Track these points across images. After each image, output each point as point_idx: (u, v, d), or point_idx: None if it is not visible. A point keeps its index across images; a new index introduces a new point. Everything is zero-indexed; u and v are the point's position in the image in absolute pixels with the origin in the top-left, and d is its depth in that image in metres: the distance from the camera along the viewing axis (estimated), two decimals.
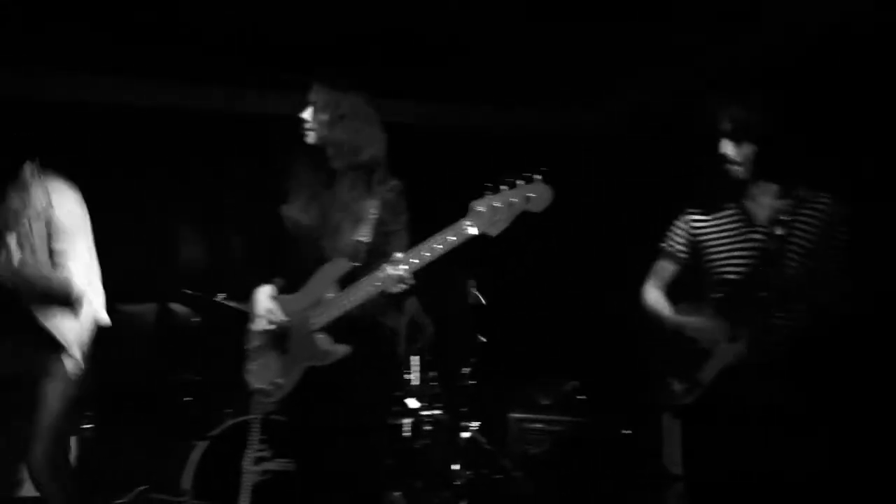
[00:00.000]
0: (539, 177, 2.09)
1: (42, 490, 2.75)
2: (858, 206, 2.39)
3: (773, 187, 2.44)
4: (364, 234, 2.38)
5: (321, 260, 2.41)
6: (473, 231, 2.13)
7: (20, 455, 2.82)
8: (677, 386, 2.45)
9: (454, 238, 2.16)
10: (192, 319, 3.96)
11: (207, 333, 3.92)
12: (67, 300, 2.76)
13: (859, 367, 2.98)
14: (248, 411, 3.45)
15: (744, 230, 2.46)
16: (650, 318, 2.62)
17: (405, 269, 2.21)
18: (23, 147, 3.12)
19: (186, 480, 3.27)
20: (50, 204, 2.78)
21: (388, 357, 2.55)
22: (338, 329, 2.34)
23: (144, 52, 4.32)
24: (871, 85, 3.22)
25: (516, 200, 2.09)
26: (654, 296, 2.65)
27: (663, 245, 2.67)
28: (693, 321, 2.48)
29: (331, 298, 2.34)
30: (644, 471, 3.60)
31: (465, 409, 3.77)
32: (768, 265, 2.36)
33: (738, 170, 2.41)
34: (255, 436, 2.45)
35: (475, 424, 3.77)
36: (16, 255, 2.75)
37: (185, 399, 3.78)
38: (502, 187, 2.12)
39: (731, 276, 2.45)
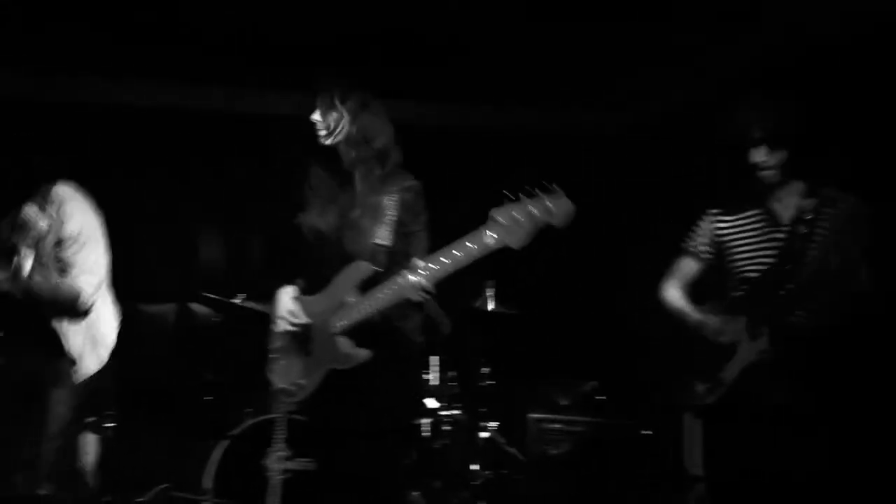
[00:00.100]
0: (559, 189, 2.08)
1: (55, 491, 2.76)
2: (882, 206, 2.38)
3: (799, 186, 2.44)
4: (384, 237, 2.38)
5: (342, 261, 2.42)
6: (494, 241, 2.11)
7: (34, 459, 2.83)
8: (699, 386, 2.44)
9: (475, 247, 2.14)
10: (213, 319, 3.98)
11: (227, 333, 3.94)
12: (76, 308, 2.77)
13: (880, 367, 2.95)
14: (268, 411, 3.48)
15: (768, 230, 2.46)
16: (671, 317, 2.61)
17: (426, 278, 2.21)
18: (42, 149, 3.16)
19: (208, 479, 3.29)
20: (60, 213, 2.79)
21: (408, 361, 2.57)
22: (359, 333, 2.35)
23: (158, 54, 4.35)
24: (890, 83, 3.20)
25: (537, 213, 2.07)
26: (675, 295, 2.64)
27: (685, 245, 2.66)
28: (715, 320, 2.47)
29: (352, 303, 2.35)
30: (664, 472, 3.58)
31: (483, 410, 3.77)
32: (790, 263, 2.35)
33: (769, 175, 2.41)
34: (279, 435, 2.46)
35: (494, 424, 3.77)
36: (26, 265, 2.76)
37: (205, 398, 3.81)
38: (521, 195, 2.10)
39: (754, 276, 2.44)
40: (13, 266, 2.77)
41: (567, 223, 2.06)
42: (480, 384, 3.81)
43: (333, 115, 2.45)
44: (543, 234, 2.09)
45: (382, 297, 2.28)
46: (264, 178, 4.83)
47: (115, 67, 4.53)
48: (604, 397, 4.04)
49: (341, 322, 2.35)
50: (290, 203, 2.63)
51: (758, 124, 2.38)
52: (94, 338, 2.86)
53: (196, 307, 4.13)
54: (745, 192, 2.52)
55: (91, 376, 2.83)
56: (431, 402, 3.66)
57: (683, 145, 4.44)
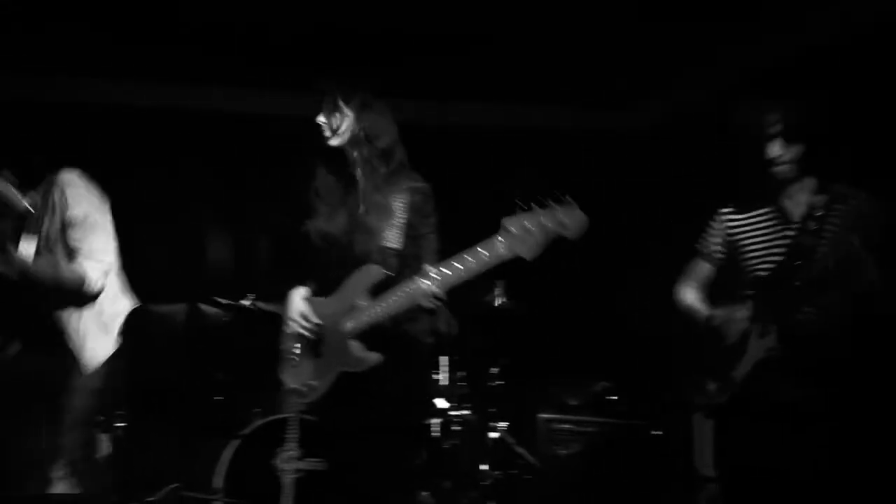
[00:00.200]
0: (572, 200, 2.08)
1: (80, 486, 2.78)
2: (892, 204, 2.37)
3: (811, 183, 2.43)
4: (393, 240, 2.39)
5: (351, 264, 2.42)
6: (505, 250, 2.12)
7: (53, 453, 2.85)
8: (711, 385, 2.44)
9: (487, 256, 2.14)
10: (223, 319, 3.98)
11: (237, 333, 3.95)
12: (81, 294, 2.78)
13: (889, 364, 2.94)
14: (277, 411, 3.48)
15: (779, 228, 2.46)
16: (687, 318, 2.61)
17: (437, 284, 2.21)
18: (43, 149, 3.17)
19: (218, 479, 3.30)
20: (65, 200, 2.79)
21: (418, 364, 2.58)
22: (370, 337, 2.36)
23: (159, 54, 4.36)
24: None
25: (549, 224, 2.07)
26: (690, 296, 2.64)
27: (699, 245, 2.66)
28: (725, 319, 2.46)
29: (363, 307, 2.35)
30: (674, 472, 3.57)
31: (493, 410, 3.76)
32: (799, 260, 2.34)
33: (785, 170, 2.40)
34: (292, 434, 2.47)
35: (503, 425, 3.76)
36: (28, 251, 2.77)
37: (215, 398, 3.82)
38: (534, 206, 2.11)
39: (765, 273, 2.44)
40: (18, 249, 2.78)
41: (580, 235, 2.06)
42: (490, 384, 3.80)
43: (337, 116, 2.46)
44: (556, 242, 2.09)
45: (393, 302, 2.29)
46: (272, 179, 4.84)
47: (114, 67, 4.54)
48: (614, 397, 4.03)
49: (353, 325, 2.36)
50: (297, 203, 2.64)
51: (775, 118, 2.37)
52: (104, 324, 2.87)
53: (206, 307, 4.14)
54: (756, 190, 2.51)
55: (102, 364, 2.83)
56: (441, 403, 3.66)
57: (694, 143, 4.43)
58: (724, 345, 2.44)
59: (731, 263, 2.58)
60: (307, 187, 2.61)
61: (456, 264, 2.20)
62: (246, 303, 3.76)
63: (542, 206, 2.10)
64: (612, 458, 3.74)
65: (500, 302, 3.79)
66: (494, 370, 3.83)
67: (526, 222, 2.09)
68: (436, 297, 2.23)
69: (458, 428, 3.65)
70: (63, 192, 2.80)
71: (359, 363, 2.35)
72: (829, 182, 2.43)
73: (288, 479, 2.49)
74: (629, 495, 3.62)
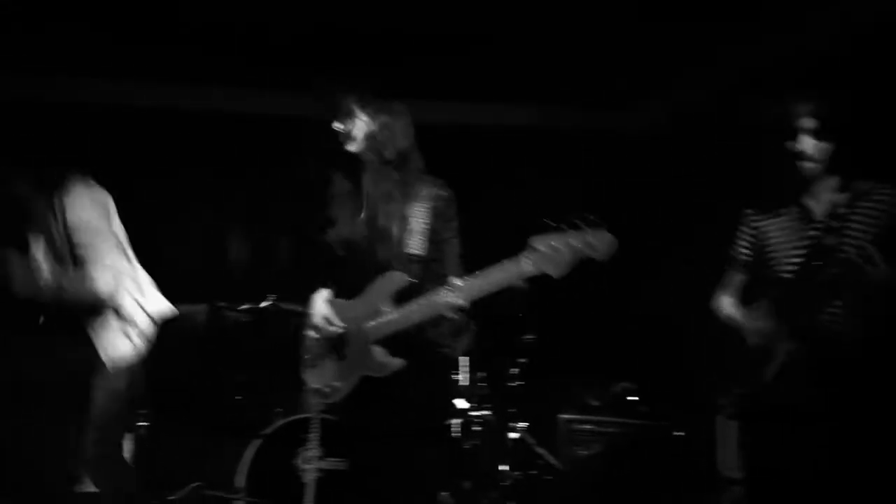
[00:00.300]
0: (600, 222, 2.09)
1: (97, 485, 2.79)
2: None
3: (833, 182, 2.40)
4: (416, 247, 2.39)
5: (374, 270, 2.43)
6: (532, 268, 2.14)
7: (77, 451, 2.87)
8: (737, 387, 2.42)
9: (513, 272, 2.17)
10: (243, 320, 4.01)
11: (258, 334, 3.97)
12: (97, 303, 2.78)
13: None
14: (298, 411, 3.50)
15: (802, 227, 2.43)
16: (724, 325, 2.58)
17: (461, 297, 2.23)
18: (51, 151, 3.17)
19: (240, 478, 3.32)
20: (66, 208, 2.78)
21: (441, 371, 2.61)
22: (392, 342, 2.37)
23: (160, 54, 4.35)
24: None
25: (579, 246, 2.08)
26: (726, 302, 2.62)
27: (732, 253, 2.64)
28: (752, 322, 2.45)
29: (387, 314, 2.37)
30: (697, 474, 3.55)
31: (513, 410, 3.76)
32: (821, 259, 2.32)
33: (813, 167, 2.37)
34: (314, 434, 2.48)
35: (523, 425, 3.76)
36: (43, 267, 2.77)
37: (237, 398, 3.84)
38: (563, 226, 2.11)
39: (787, 275, 2.41)
40: (31, 265, 2.78)
41: (609, 257, 2.06)
42: (510, 384, 3.80)
43: (354, 122, 2.46)
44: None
45: (417, 311, 2.31)
46: (294, 180, 4.85)
47: (114, 67, 4.53)
48: (635, 398, 4.01)
49: (376, 331, 2.37)
50: (317, 204, 2.64)
51: (807, 113, 2.34)
52: (124, 326, 2.86)
53: (228, 311, 4.16)
54: (781, 190, 2.49)
55: (129, 365, 2.83)
56: (461, 403, 3.66)
57: (695, 143, 4.42)
58: (749, 347, 2.42)
59: (759, 263, 2.56)
60: (316, 188, 2.61)
61: (481, 277, 2.22)
62: (266, 304, 3.78)
63: (572, 226, 2.10)
64: (633, 460, 3.72)
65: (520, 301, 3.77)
66: (514, 370, 3.81)
67: (554, 242, 2.11)
68: (459, 308, 2.25)
69: (479, 428, 3.64)
70: (64, 201, 2.78)
71: (381, 368, 2.36)
72: (850, 180, 2.40)
73: (310, 479, 2.49)
74: (650, 497, 3.60)
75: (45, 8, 3.80)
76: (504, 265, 2.19)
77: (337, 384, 2.43)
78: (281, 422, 3.43)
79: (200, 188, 4.95)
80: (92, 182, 2.89)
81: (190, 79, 4.72)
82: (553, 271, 2.12)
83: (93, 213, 2.81)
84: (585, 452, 3.81)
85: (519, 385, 3.80)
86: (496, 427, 3.70)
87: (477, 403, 3.70)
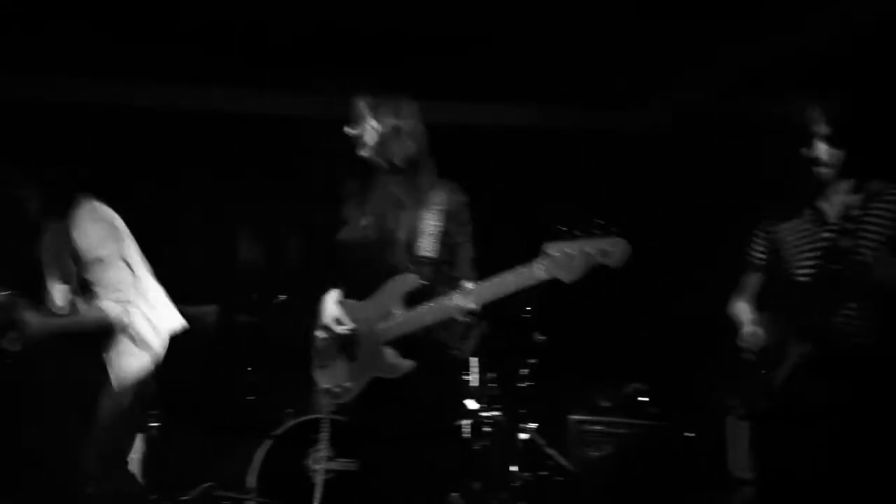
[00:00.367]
0: (616, 229, 2.09)
1: (101, 499, 2.79)
2: None
3: (846, 184, 2.39)
4: (429, 249, 2.40)
5: (386, 272, 2.42)
6: (545, 273, 2.15)
7: (89, 456, 2.87)
8: (750, 389, 2.41)
9: (525, 277, 2.17)
10: (254, 321, 4.03)
11: (269, 334, 3.99)
12: (109, 329, 2.76)
13: None
14: (308, 411, 3.51)
15: (815, 230, 2.42)
16: (736, 328, 2.58)
17: (473, 301, 2.24)
18: (62, 151, 3.17)
19: (251, 479, 3.33)
20: (73, 237, 2.76)
21: (451, 374, 2.60)
22: (403, 344, 2.37)
23: (160, 54, 4.35)
24: None
25: (592, 252, 2.09)
26: (741, 307, 2.60)
27: (748, 257, 2.63)
28: (765, 324, 2.44)
29: (399, 315, 2.37)
30: (708, 475, 3.53)
31: (524, 411, 3.76)
32: (836, 262, 2.31)
33: (827, 172, 2.36)
34: (324, 435, 2.48)
35: (533, 426, 3.76)
36: (60, 300, 2.78)
37: (248, 398, 3.86)
38: (577, 233, 2.12)
39: (802, 278, 2.40)
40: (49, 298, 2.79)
41: (622, 264, 2.06)
42: (520, 385, 3.80)
43: (364, 126, 2.46)
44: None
45: (428, 313, 2.31)
46: (296, 180, 4.88)
47: (114, 67, 4.52)
48: (646, 399, 4.01)
49: (387, 333, 2.38)
50: (324, 205, 2.65)
51: (820, 119, 2.33)
52: (136, 344, 2.84)
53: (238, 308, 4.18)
54: (794, 193, 2.48)
55: (135, 384, 2.83)
56: (472, 404, 3.66)
57: (695, 143, 4.41)
58: (762, 348, 2.41)
59: (773, 267, 2.55)
60: (323, 188, 2.62)
61: (493, 282, 2.23)
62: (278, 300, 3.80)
63: (587, 233, 2.11)
64: (643, 461, 3.71)
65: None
66: (524, 371, 3.82)
67: (568, 248, 2.11)
68: (470, 312, 2.26)
69: (489, 429, 3.64)
70: (69, 231, 2.77)
71: (392, 370, 2.37)
72: (863, 181, 2.39)
73: (319, 480, 2.50)
74: (661, 498, 3.59)
75: (45, 8, 3.81)
76: (517, 270, 2.20)
77: (347, 385, 2.44)
78: (292, 422, 3.44)
79: (200, 188, 4.96)
80: (97, 204, 2.86)
81: (190, 79, 4.73)
82: (565, 277, 2.12)
83: (100, 240, 2.78)
84: (596, 453, 3.81)
85: (529, 386, 3.80)
86: (506, 428, 3.70)
87: (487, 404, 3.71)
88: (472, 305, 2.25)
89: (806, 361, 2.31)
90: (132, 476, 3.02)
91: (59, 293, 2.81)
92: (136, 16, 3.93)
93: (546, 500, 3.67)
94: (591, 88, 4.80)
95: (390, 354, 2.38)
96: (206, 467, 3.70)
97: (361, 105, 2.48)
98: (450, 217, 2.44)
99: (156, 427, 3.50)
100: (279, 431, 3.42)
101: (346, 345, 2.47)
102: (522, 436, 3.73)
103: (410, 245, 2.41)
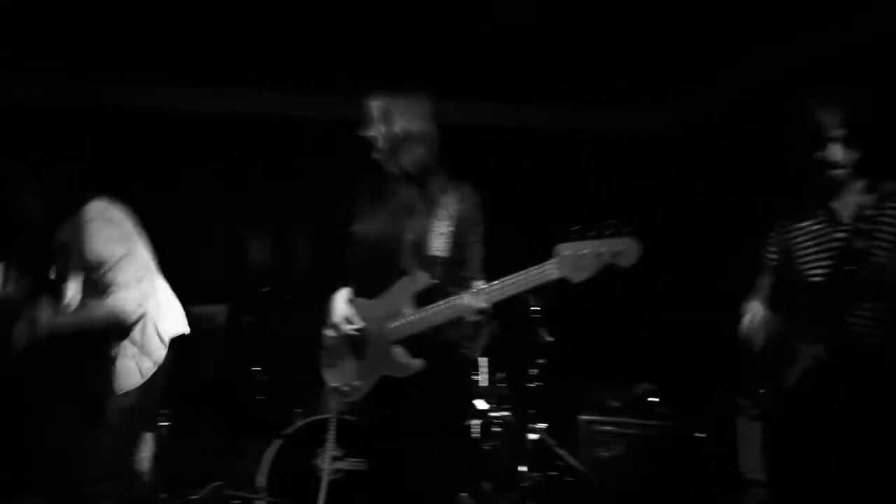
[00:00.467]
0: (629, 229, 2.10)
1: (111, 498, 2.79)
2: None
3: (860, 184, 2.37)
4: (440, 249, 2.39)
5: (397, 271, 2.43)
6: (556, 274, 2.17)
7: (97, 457, 2.88)
8: (762, 390, 2.40)
9: (537, 279, 2.19)
10: (263, 320, 4.03)
11: (278, 334, 3.99)
12: (117, 327, 2.75)
13: None
14: (318, 411, 3.51)
15: (828, 231, 2.40)
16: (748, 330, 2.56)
17: (484, 300, 2.25)
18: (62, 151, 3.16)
19: (261, 478, 3.33)
20: (83, 238, 2.73)
21: (461, 372, 2.61)
22: (413, 343, 2.38)
23: (162, 54, 4.37)
24: None
25: (604, 252, 2.10)
26: (754, 308, 2.59)
27: (762, 258, 2.62)
28: (777, 326, 2.42)
29: (409, 314, 2.37)
30: (718, 476, 3.52)
31: (533, 411, 3.75)
32: (850, 263, 2.29)
33: (841, 174, 2.35)
34: (331, 435, 2.49)
35: (542, 426, 3.75)
36: (73, 298, 2.77)
37: (257, 398, 3.86)
38: (590, 234, 2.13)
39: (815, 279, 2.39)
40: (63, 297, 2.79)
41: (633, 264, 2.08)
42: (529, 385, 3.79)
43: (379, 128, 2.45)
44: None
45: (439, 312, 2.32)
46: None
47: (114, 67, 4.53)
48: (656, 399, 3.99)
49: (397, 332, 2.38)
50: (338, 205, 2.65)
51: (837, 121, 2.31)
52: (143, 345, 2.83)
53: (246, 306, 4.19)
54: (808, 193, 2.46)
55: (140, 387, 2.80)
56: (481, 404, 3.65)
57: (741, 144, 4.38)
58: (775, 350, 2.40)
59: (786, 268, 2.53)
60: (352, 191, 2.62)
61: (504, 281, 2.24)
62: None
63: (599, 235, 2.12)
64: (654, 461, 3.70)
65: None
66: (533, 371, 3.81)
67: (580, 249, 2.12)
68: (481, 311, 2.28)
69: (498, 429, 3.64)
70: (81, 231, 2.73)
71: (402, 369, 2.37)
72: (876, 181, 2.37)
73: (326, 480, 2.50)
74: (672, 499, 3.58)
75: (45, 8, 3.81)
76: (528, 270, 2.21)
77: (356, 383, 2.44)
78: (302, 422, 3.44)
79: (199, 188, 4.97)
80: (109, 203, 2.84)
81: (190, 79, 4.74)
82: (576, 277, 2.14)
83: (110, 242, 2.75)
84: (606, 454, 3.79)
85: (538, 386, 3.79)
86: (516, 428, 3.70)
87: (496, 404, 3.70)
88: (482, 304, 2.26)
89: (819, 363, 2.29)
90: (140, 475, 3.03)
91: (71, 288, 2.82)
92: (136, 16, 3.93)
93: (555, 500, 3.66)
94: (608, 90, 4.80)
95: (400, 353, 2.38)
96: (216, 466, 3.71)
97: (373, 108, 2.47)
98: (461, 217, 2.44)
99: (166, 426, 3.51)
100: (289, 431, 3.42)
101: (355, 343, 2.47)
102: (532, 436, 3.72)
103: (421, 246, 2.41)
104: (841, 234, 2.36)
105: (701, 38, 4.06)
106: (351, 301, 2.53)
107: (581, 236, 2.14)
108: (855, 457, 2.23)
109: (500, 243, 2.56)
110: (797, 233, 2.47)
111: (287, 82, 4.72)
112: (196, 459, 3.72)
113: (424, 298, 2.37)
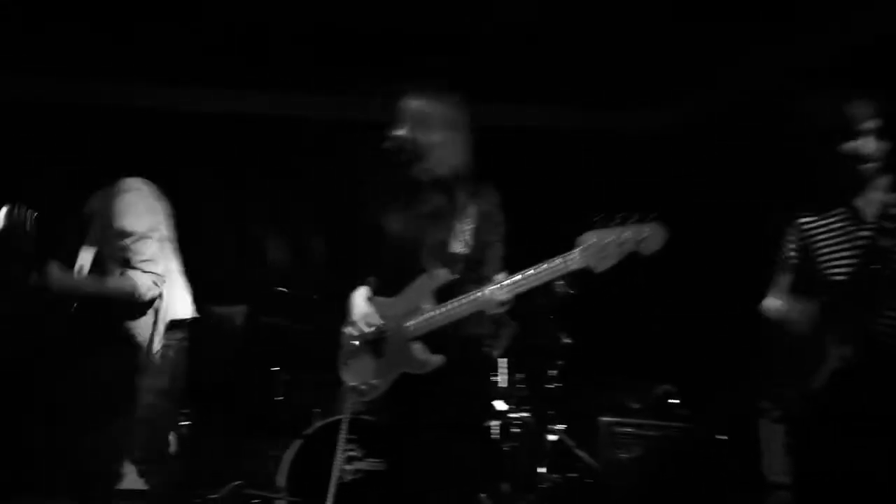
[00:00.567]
0: (654, 215, 2.07)
1: (148, 481, 2.83)
2: None
3: (883, 182, 2.34)
4: (461, 247, 2.38)
5: (418, 268, 2.42)
6: (578, 264, 2.14)
7: (123, 449, 2.91)
8: (788, 393, 2.37)
9: (558, 267, 2.17)
10: (282, 321, 4.05)
11: (298, 333, 4.00)
12: (134, 302, 2.80)
13: None
14: (337, 411, 3.51)
15: (851, 229, 2.36)
16: (771, 327, 2.53)
17: (506, 294, 2.23)
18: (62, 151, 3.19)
19: (281, 478, 3.34)
20: (115, 210, 2.82)
21: (481, 369, 2.60)
22: (433, 339, 2.36)
23: (162, 54, 4.38)
24: None
25: (628, 238, 2.08)
26: (773, 303, 2.55)
27: (780, 255, 2.58)
28: (802, 327, 2.39)
29: (429, 310, 2.36)
30: (741, 478, 3.48)
31: (552, 412, 3.73)
32: (876, 261, 2.25)
33: (870, 168, 2.31)
34: (342, 435, 2.47)
35: (561, 427, 3.73)
36: (86, 261, 2.83)
37: (276, 398, 3.87)
38: (613, 222, 2.11)
39: (839, 278, 2.35)
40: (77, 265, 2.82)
41: (657, 251, 2.06)
42: (549, 386, 3.77)
43: (414, 132, 2.42)
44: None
45: (460, 308, 2.30)
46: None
47: (114, 67, 4.54)
48: (677, 401, 3.95)
49: (417, 328, 2.37)
50: (358, 205, 2.65)
51: (869, 113, 2.28)
52: (160, 327, 2.89)
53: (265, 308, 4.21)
54: (829, 190, 2.42)
55: (167, 364, 2.87)
56: (500, 405, 3.64)
57: (741, 144, 4.36)
58: (799, 349, 2.36)
59: (807, 267, 2.49)
60: (374, 190, 2.61)
61: (525, 275, 2.22)
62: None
63: (624, 222, 2.10)
64: (674, 463, 3.66)
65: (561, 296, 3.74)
66: (553, 372, 3.79)
67: (604, 237, 2.09)
68: (503, 303, 2.25)
69: (517, 430, 3.62)
70: (114, 203, 2.83)
71: (421, 365, 2.36)
72: None
73: (337, 480, 2.49)
74: (692, 501, 3.55)
75: (45, 8, 3.84)
76: (550, 261, 2.19)
77: (374, 382, 2.44)
78: (321, 422, 3.44)
79: (199, 188, 4.98)
80: (145, 181, 2.92)
81: (190, 79, 4.75)
82: (598, 267, 2.11)
83: (140, 219, 2.84)
84: (626, 456, 3.76)
85: (557, 387, 3.77)
86: (535, 429, 3.68)
87: (516, 405, 3.68)
88: (505, 296, 2.23)
89: (847, 365, 2.25)
90: (174, 461, 3.08)
91: (82, 258, 2.85)
92: (136, 16, 3.95)
93: (575, 502, 3.64)
94: (608, 90, 4.78)
95: (419, 350, 2.37)
96: (236, 466, 3.72)
97: (409, 110, 2.44)
98: (483, 216, 2.43)
99: (186, 426, 3.53)
100: (309, 431, 3.43)
101: (373, 341, 2.47)
102: (551, 437, 3.70)
103: (443, 246, 2.40)
104: (865, 233, 2.32)
105: (701, 38, 4.04)
106: (370, 299, 2.52)
107: (604, 224, 2.12)
108: (883, 460, 2.20)
109: (526, 241, 2.54)
110: (818, 230, 2.43)
111: (287, 82, 4.72)
112: (215, 459, 3.74)
113: (444, 295, 2.36)
